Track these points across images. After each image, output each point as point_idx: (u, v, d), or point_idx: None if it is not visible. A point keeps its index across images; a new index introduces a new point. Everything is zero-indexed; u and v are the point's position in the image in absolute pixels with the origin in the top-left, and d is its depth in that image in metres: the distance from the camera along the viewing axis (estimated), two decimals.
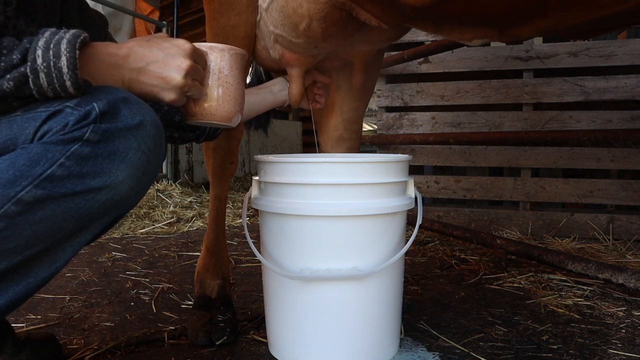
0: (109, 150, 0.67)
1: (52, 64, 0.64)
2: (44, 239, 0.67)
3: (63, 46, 0.65)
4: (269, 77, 1.57)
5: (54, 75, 0.64)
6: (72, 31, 0.67)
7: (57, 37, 0.66)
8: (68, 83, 0.65)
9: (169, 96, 0.75)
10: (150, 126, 0.72)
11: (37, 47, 0.64)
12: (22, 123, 0.67)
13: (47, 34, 0.66)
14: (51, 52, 0.64)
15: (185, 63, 0.74)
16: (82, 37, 0.67)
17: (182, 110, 0.85)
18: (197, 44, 0.81)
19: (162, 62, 0.73)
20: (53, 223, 0.66)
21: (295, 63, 1.16)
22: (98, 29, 1.01)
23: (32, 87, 0.65)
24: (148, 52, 0.73)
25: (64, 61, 0.64)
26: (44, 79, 0.64)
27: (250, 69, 1.65)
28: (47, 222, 0.65)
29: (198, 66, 0.78)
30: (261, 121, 1.77)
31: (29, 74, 0.64)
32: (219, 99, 0.82)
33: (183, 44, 0.76)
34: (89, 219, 0.70)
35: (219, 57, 0.82)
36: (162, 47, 0.74)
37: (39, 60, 0.64)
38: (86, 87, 0.69)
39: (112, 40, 1.02)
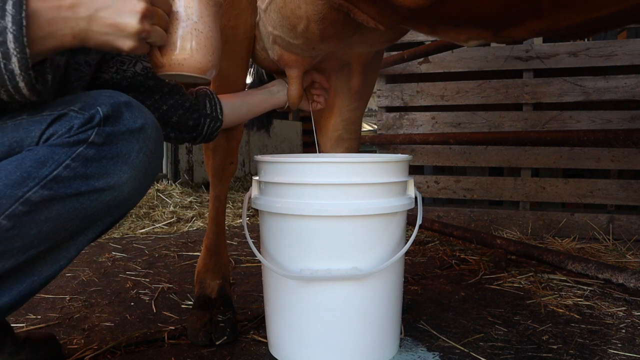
0: (113, 152, 0.69)
1: (2, 66, 0.60)
2: (49, 239, 0.68)
3: (11, 45, 0.59)
4: (270, 77, 1.57)
5: (5, 77, 0.61)
6: (12, 16, 0.59)
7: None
8: (22, 84, 0.62)
9: (126, 44, 0.69)
10: (152, 129, 0.74)
11: None
12: (27, 126, 0.68)
13: None
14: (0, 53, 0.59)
15: (139, 5, 0.67)
16: (24, 25, 0.60)
17: (150, 62, 0.78)
18: None
19: (114, 7, 0.67)
20: (58, 223, 0.67)
21: (293, 64, 1.16)
22: None
23: None
24: None
25: (15, 62, 0.60)
26: None
27: (252, 70, 1.65)
28: (53, 221, 0.67)
29: (157, 9, 0.72)
30: (263, 122, 1.77)
31: None
32: (188, 48, 0.76)
33: None
34: (92, 218, 0.71)
35: (186, 2, 0.76)
36: None
37: None
38: (44, 87, 0.65)
39: None
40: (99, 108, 0.68)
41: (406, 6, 0.79)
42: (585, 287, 1.55)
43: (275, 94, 1.23)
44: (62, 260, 0.73)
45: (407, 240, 1.05)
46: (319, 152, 1.37)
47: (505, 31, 0.80)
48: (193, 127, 1.08)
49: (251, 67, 1.64)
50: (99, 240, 2.35)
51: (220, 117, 1.11)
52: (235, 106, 1.16)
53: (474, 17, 0.79)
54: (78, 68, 0.91)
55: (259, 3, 1.13)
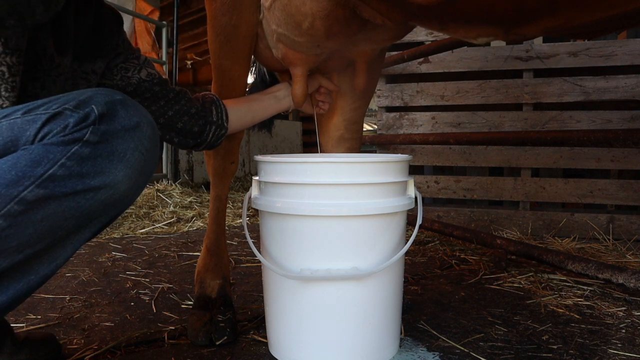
0: (108, 150, 0.69)
1: None
2: (45, 238, 0.68)
3: None
4: (272, 76, 1.57)
5: None
6: None
7: None
8: None
9: None
10: (147, 127, 0.74)
11: None
12: (22, 125, 0.68)
13: None
14: None
15: None
16: None
17: None
18: None
19: None
20: (54, 222, 0.67)
21: (298, 62, 1.15)
22: (111, 41, 0.97)
23: None
24: None
25: None
26: None
27: (254, 69, 1.65)
28: (49, 220, 0.67)
29: None
30: (265, 122, 1.76)
31: None
32: None
33: None
34: (88, 217, 0.72)
35: None
36: None
37: None
38: None
39: (126, 41, 1.01)
40: (94, 106, 0.68)
41: (418, 3, 0.78)
42: (585, 287, 1.55)
43: (281, 99, 1.22)
44: (59, 259, 0.73)
45: (407, 240, 1.05)
46: (320, 152, 1.37)
47: (517, 29, 0.79)
48: (198, 134, 1.08)
49: (253, 66, 1.63)
50: (99, 240, 2.35)
51: (225, 124, 1.11)
52: (241, 113, 1.16)
53: (486, 14, 0.78)
54: (86, 77, 0.91)
55: (262, 1, 1.13)
